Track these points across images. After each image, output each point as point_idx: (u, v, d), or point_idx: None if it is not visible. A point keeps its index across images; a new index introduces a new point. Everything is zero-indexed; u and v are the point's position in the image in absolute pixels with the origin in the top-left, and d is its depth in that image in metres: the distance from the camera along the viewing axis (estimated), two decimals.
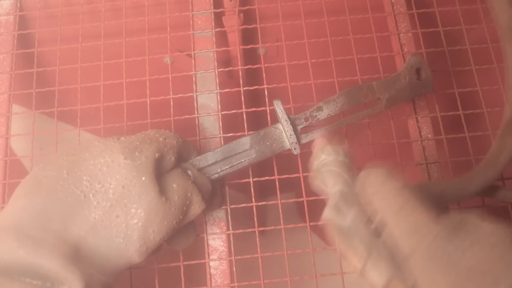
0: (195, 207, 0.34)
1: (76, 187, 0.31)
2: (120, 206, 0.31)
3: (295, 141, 0.38)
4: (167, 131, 0.35)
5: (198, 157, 0.37)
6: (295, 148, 0.38)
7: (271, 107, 0.44)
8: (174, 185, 0.33)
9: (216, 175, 0.37)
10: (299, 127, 0.39)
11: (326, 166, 0.29)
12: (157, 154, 0.33)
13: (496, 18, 0.43)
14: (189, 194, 0.34)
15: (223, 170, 0.37)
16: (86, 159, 0.32)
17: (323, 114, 0.39)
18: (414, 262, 0.24)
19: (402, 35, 0.48)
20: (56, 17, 0.49)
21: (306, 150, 0.43)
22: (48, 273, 0.29)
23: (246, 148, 0.38)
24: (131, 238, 0.31)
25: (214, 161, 0.37)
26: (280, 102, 0.38)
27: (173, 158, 0.34)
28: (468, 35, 0.46)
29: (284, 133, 0.38)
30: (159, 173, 0.33)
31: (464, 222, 0.24)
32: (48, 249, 0.29)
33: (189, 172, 0.35)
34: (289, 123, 0.38)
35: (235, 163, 0.37)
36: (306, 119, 0.39)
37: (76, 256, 0.30)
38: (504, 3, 0.42)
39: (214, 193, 0.38)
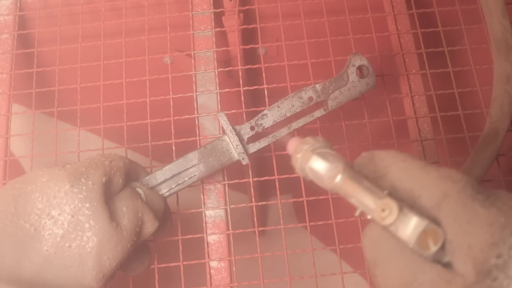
0: (147, 226, 0.34)
1: (25, 221, 0.30)
2: (71, 236, 0.30)
3: (242, 151, 0.37)
4: (113, 153, 0.35)
5: (147, 177, 0.36)
6: (243, 159, 0.37)
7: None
8: (124, 208, 0.33)
9: (167, 193, 0.37)
10: (246, 137, 0.38)
11: (316, 150, 0.28)
12: (104, 178, 0.32)
13: (489, 28, 0.43)
14: (140, 214, 0.33)
15: (173, 188, 0.37)
16: (32, 191, 0.31)
17: (268, 122, 0.38)
18: (447, 206, 0.24)
19: (402, 35, 0.48)
20: (56, 17, 0.49)
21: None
22: None
23: (194, 163, 0.37)
24: (86, 266, 0.31)
25: (163, 179, 0.37)
26: (223, 114, 0.38)
27: (120, 180, 0.33)
28: (467, 35, 0.46)
29: (231, 144, 0.38)
30: (108, 197, 0.32)
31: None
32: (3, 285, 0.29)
33: (139, 190, 0.35)
34: (234, 133, 0.37)
35: (186, 179, 0.37)
36: (252, 128, 0.38)
37: None
38: (497, 13, 0.42)
39: (164, 217, 0.37)
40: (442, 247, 0.24)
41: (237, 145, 0.37)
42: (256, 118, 0.38)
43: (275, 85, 0.45)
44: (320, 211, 0.43)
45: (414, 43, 0.47)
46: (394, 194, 0.25)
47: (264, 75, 0.45)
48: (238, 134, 0.38)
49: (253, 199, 0.42)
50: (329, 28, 0.46)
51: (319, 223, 0.42)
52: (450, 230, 0.23)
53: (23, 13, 0.50)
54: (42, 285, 0.30)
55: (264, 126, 0.38)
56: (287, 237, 0.41)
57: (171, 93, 0.44)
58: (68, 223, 0.30)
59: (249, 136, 0.38)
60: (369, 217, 0.26)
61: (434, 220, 0.24)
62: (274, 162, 0.42)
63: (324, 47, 0.46)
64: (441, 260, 0.24)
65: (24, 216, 0.30)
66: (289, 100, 0.38)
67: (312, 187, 0.43)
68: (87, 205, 0.31)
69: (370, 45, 0.46)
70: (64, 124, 0.59)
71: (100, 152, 0.42)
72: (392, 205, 0.24)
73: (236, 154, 0.38)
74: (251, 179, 0.42)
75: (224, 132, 0.38)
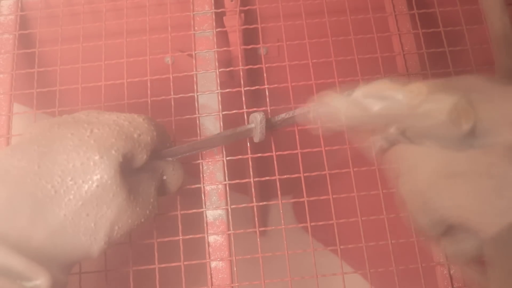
0: (152, 212, 0.35)
1: (47, 181, 0.30)
2: (91, 205, 0.30)
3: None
4: (142, 121, 0.34)
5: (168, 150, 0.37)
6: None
7: (271, 107, 0.44)
8: (140, 188, 0.33)
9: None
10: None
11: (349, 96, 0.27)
12: (130, 154, 0.32)
13: (489, 25, 0.43)
14: (151, 200, 0.34)
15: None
16: (59, 152, 0.30)
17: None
18: (476, 95, 0.23)
19: (403, 35, 0.48)
20: (57, 17, 0.49)
21: (305, 150, 0.43)
22: (12, 270, 0.28)
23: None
24: (98, 236, 0.31)
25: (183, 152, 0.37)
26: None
27: (145, 157, 0.33)
28: (469, 36, 0.46)
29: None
30: (130, 170, 0.33)
31: None
32: (10, 246, 0.28)
33: (165, 173, 0.36)
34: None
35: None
36: None
37: (40, 254, 0.29)
38: (497, 10, 0.42)
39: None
40: (473, 130, 0.23)
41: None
42: None
43: (276, 85, 0.45)
44: (319, 212, 0.43)
45: (415, 44, 0.47)
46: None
47: (265, 75, 0.45)
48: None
49: (254, 199, 0.42)
50: (330, 28, 0.46)
51: (320, 223, 0.42)
52: (483, 106, 0.23)
53: (24, 13, 0.50)
54: (49, 250, 0.30)
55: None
56: (286, 238, 0.41)
57: (172, 93, 0.44)
58: (91, 193, 0.30)
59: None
60: (377, 146, 0.26)
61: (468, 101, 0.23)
62: (275, 162, 0.42)
63: (325, 48, 0.46)
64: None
65: (47, 176, 0.30)
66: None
67: (312, 187, 0.43)
68: (113, 177, 0.31)
69: (371, 45, 0.46)
70: None
71: None
72: (420, 85, 0.23)
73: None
74: (252, 179, 0.42)
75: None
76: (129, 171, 0.33)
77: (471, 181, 0.22)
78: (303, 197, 0.41)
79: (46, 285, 0.29)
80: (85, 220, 0.30)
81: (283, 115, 0.39)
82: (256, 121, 0.38)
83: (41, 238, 0.30)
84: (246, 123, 0.43)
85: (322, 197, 0.42)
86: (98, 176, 0.30)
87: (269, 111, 0.43)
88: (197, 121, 0.44)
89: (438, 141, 0.24)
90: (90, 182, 0.30)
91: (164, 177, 0.36)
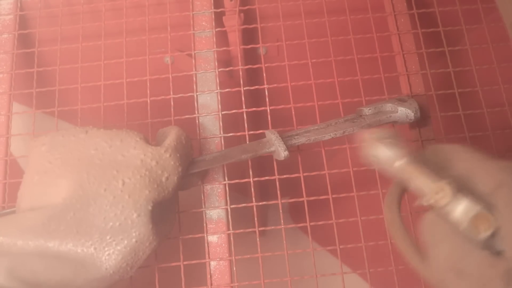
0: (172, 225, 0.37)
1: (86, 240, 0.31)
2: (130, 256, 0.32)
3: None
4: (169, 158, 0.34)
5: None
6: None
7: (271, 107, 0.44)
8: (164, 213, 0.36)
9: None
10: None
11: (381, 139, 0.29)
12: (160, 198, 0.33)
13: (502, 18, 0.43)
14: (171, 220, 0.37)
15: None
16: (95, 215, 0.31)
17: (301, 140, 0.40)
18: (501, 193, 0.25)
19: (402, 35, 0.48)
20: (57, 16, 0.49)
21: (304, 151, 0.43)
22: None
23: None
24: (127, 274, 0.33)
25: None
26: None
27: (170, 195, 0.35)
28: (468, 35, 0.46)
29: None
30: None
31: None
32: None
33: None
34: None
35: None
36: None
37: None
38: (508, 2, 0.42)
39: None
40: (494, 235, 0.25)
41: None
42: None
43: (275, 85, 0.45)
44: (316, 213, 0.43)
45: (414, 43, 0.47)
46: (453, 183, 0.27)
47: (264, 75, 0.45)
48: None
49: (253, 199, 0.42)
50: (330, 28, 0.46)
51: (320, 223, 0.42)
52: (502, 216, 0.25)
53: (23, 12, 0.50)
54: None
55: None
56: (282, 239, 0.41)
57: (171, 93, 0.44)
58: (130, 247, 0.32)
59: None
60: (427, 202, 0.27)
61: (489, 208, 0.25)
62: (275, 162, 0.42)
63: (324, 47, 0.46)
64: (493, 249, 0.25)
65: (86, 236, 0.31)
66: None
67: (312, 189, 0.43)
68: (150, 231, 0.32)
69: (371, 45, 0.46)
70: (64, 123, 0.59)
71: None
72: (446, 188, 0.25)
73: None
74: (251, 179, 0.42)
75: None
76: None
77: (473, 286, 0.24)
78: (299, 199, 0.41)
79: None
80: (124, 269, 0.32)
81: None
82: (271, 141, 0.39)
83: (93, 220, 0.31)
84: (245, 123, 0.43)
85: (321, 197, 0.42)
86: (137, 233, 0.32)
87: (268, 111, 0.43)
88: (197, 121, 0.44)
89: None
90: (129, 238, 0.32)
91: None
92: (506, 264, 0.23)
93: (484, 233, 0.25)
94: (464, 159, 0.28)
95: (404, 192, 0.32)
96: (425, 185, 0.26)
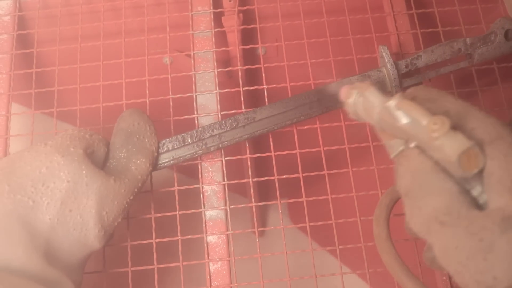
0: (142, 186, 0.36)
1: (22, 195, 0.31)
2: (70, 200, 0.32)
3: (398, 84, 0.40)
4: (89, 130, 0.36)
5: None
6: (396, 91, 0.40)
7: None
8: (123, 169, 0.35)
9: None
10: (400, 73, 0.41)
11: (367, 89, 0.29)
12: (90, 149, 0.34)
13: (507, 9, 0.43)
14: (139, 177, 0.35)
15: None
16: (22, 167, 0.32)
17: (421, 63, 0.42)
18: (500, 144, 0.24)
19: (401, 35, 0.48)
20: (55, 17, 0.48)
21: (304, 151, 0.43)
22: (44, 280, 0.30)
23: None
24: (88, 225, 0.32)
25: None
26: (386, 47, 0.41)
27: (104, 149, 0.35)
28: (467, 35, 0.46)
29: (386, 77, 0.41)
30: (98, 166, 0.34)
31: None
32: (24, 256, 0.30)
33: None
34: (394, 67, 0.40)
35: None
36: (407, 66, 0.41)
37: (51, 260, 0.31)
38: None
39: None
40: (480, 176, 0.24)
41: (395, 78, 0.40)
42: (412, 57, 0.41)
43: (274, 85, 0.45)
44: (315, 213, 0.43)
45: (413, 43, 0.47)
46: (450, 118, 0.25)
47: (263, 75, 0.45)
48: (396, 69, 0.41)
49: (252, 199, 0.41)
50: (329, 28, 0.46)
51: (319, 223, 0.42)
52: (496, 163, 0.24)
53: (22, 13, 0.50)
54: (54, 255, 0.31)
55: (417, 66, 0.41)
56: (280, 239, 0.41)
57: (170, 93, 0.44)
58: (65, 189, 0.32)
59: (402, 72, 0.41)
60: (398, 150, 0.27)
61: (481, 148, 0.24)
62: (274, 162, 0.42)
63: (323, 47, 0.46)
64: (472, 194, 0.24)
65: (20, 190, 0.31)
66: (442, 47, 0.42)
67: (311, 189, 0.43)
68: (79, 169, 0.32)
69: (370, 45, 0.46)
70: (63, 124, 0.59)
71: None
72: (445, 119, 0.24)
73: (389, 86, 0.40)
74: (250, 179, 0.42)
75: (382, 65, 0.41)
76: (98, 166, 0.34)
77: (462, 237, 0.23)
78: (298, 199, 0.41)
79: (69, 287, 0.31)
80: (70, 216, 0.32)
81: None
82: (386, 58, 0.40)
83: (42, 248, 0.31)
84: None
85: (320, 197, 0.42)
86: (66, 172, 0.32)
87: None
88: (196, 121, 0.44)
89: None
90: (59, 180, 0.32)
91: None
92: (501, 213, 0.23)
93: (474, 170, 0.24)
94: (452, 101, 0.27)
95: (394, 204, 0.32)
96: (423, 117, 0.25)
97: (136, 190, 0.35)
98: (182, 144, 0.39)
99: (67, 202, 0.32)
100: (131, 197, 0.34)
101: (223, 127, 0.39)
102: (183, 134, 0.39)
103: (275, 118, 0.40)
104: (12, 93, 0.46)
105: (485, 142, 0.25)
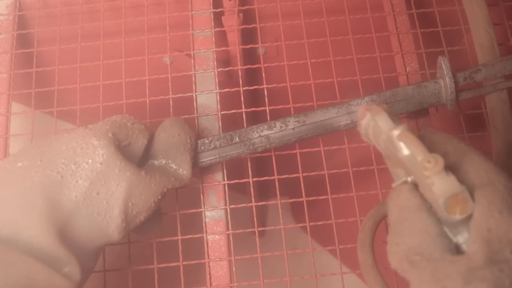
0: (172, 186, 0.35)
1: (51, 169, 0.31)
2: (100, 183, 0.31)
3: (454, 98, 0.39)
4: (134, 118, 0.35)
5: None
6: (450, 105, 0.39)
7: (270, 107, 0.44)
8: (159, 166, 0.35)
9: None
10: (458, 86, 0.40)
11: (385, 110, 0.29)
12: (127, 141, 0.33)
13: (473, 37, 0.43)
14: (172, 179, 0.35)
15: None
16: (58, 146, 0.32)
17: (480, 77, 0.40)
18: (489, 190, 0.24)
19: (401, 35, 0.48)
20: (55, 17, 0.48)
21: (304, 150, 0.43)
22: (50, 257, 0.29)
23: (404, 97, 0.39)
24: (113, 214, 0.31)
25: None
26: (446, 59, 0.39)
27: (144, 141, 0.34)
28: (467, 35, 0.46)
29: (443, 89, 0.39)
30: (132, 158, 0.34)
31: None
32: (37, 227, 0.29)
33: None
34: (452, 80, 0.39)
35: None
36: (465, 79, 0.40)
37: (65, 240, 0.30)
38: (482, 23, 0.42)
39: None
40: (465, 222, 0.24)
41: (451, 92, 0.39)
42: (471, 71, 0.40)
43: (274, 85, 0.45)
44: (318, 213, 0.43)
45: (413, 43, 0.47)
46: (446, 158, 0.25)
47: (263, 75, 0.45)
48: (455, 82, 0.39)
49: (253, 199, 0.41)
50: (329, 28, 0.46)
51: (319, 223, 0.42)
52: (481, 210, 0.24)
53: (22, 13, 0.50)
54: (71, 235, 0.31)
55: (475, 80, 0.40)
56: (282, 238, 0.41)
57: (170, 93, 0.44)
58: (97, 171, 0.31)
59: (460, 85, 0.40)
60: (399, 182, 0.27)
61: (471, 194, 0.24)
62: (274, 162, 0.42)
63: (323, 47, 0.46)
64: (457, 240, 0.24)
65: (51, 165, 0.31)
66: (503, 62, 0.40)
67: (311, 189, 0.43)
68: (114, 153, 0.31)
69: (370, 45, 0.46)
70: (63, 123, 0.59)
71: None
72: (439, 159, 0.24)
73: (444, 99, 0.39)
74: (250, 179, 0.42)
75: (440, 76, 0.40)
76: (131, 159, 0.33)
77: (426, 281, 0.23)
78: (299, 198, 0.41)
79: (75, 272, 0.30)
80: (97, 199, 0.31)
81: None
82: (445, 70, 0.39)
83: (59, 224, 0.30)
84: (244, 123, 0.43)
85: (320, 197, 0.42)
86: (100, 154, 0.31)
87: (267, 111, 0.43)
88: (196, 121, 0.44)
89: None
90: (92, 161, 0.31)
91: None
92: (468, 262, 0.22)
93: (459, 216, 0.23)
94: (459, 147, 0.27)
95: (377, 227, 0.31)
96: (419, 152, 0.25)
97: (165, 190, 0.34)
98: (230, 143, 0.38)
99: (96, 184, 0.31)
100: (159, 197, 0.34)
101: (272, 129, 0.39)
102: (231, 133, 0.38)
103: (325, 123, 0.39)
104: (12, 93, 0.46)
105: (475, 187, 0.25)
